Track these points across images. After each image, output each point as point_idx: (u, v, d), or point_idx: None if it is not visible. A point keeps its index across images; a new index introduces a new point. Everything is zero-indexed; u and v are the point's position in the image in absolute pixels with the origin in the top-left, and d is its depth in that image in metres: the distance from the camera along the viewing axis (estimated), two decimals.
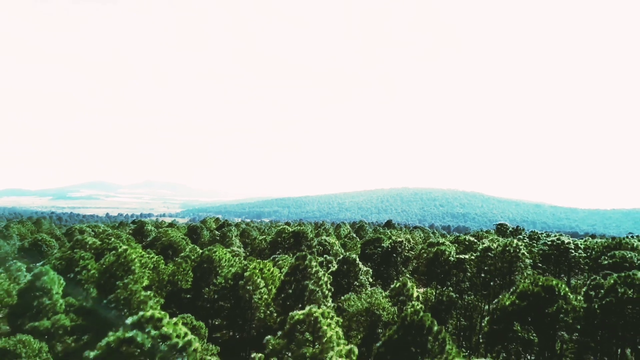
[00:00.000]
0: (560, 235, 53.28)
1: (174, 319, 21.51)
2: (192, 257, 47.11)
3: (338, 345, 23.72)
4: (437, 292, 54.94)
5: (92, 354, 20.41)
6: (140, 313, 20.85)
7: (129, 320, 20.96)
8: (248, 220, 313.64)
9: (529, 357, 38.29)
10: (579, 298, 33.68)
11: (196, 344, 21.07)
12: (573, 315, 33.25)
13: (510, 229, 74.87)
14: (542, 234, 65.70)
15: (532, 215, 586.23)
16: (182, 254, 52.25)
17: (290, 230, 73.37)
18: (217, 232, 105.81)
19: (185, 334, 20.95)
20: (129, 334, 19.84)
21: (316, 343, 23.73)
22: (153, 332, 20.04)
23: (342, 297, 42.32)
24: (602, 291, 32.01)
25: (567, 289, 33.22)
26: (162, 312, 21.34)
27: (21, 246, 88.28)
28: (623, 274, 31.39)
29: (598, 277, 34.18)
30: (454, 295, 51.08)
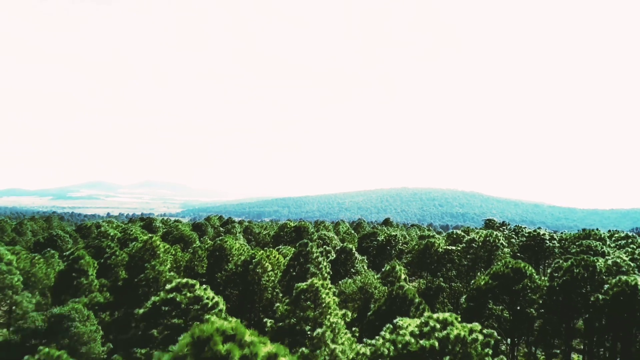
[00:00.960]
0: (539, 228, 58.60)
1: (203, 286, 26.82)
2: (205, 247, 52.43)
3: (334, 310, 28.98)
4: (427, 281, 60.24)
5: (140, 310, 25.78)
6: (177, 280, 26.21)
7: (168, 285, 26.29)
8: (249, 219, 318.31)
9: (507, 340, 43.53)
10: (543, 278, 38.97)
11: (222, 305, 26.38)
12: (539, 294, 38.63)
13: (497, 223, 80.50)
14: (523, 227, 71.27)
15: (531, 215, 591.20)
16: (194, 245, 57.50)
17: (292, 225, 78.75)
18: (221, 229, 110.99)
19: (213, 297, 26.27)
20: (170, 295, 25.17)
21: (317, 308, 29.00)
22: (188, 294, 25.37)
23: (340, 282, 47.62)
24: (561, 272, 37.35)
25: (532, 271, 38.53)
26: (194, 280, 26.67)
27: (37, 241, 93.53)
28: (579, 257, 36.71)
29: (561, 261, 39.49)
30: (444, 285, 56.34)
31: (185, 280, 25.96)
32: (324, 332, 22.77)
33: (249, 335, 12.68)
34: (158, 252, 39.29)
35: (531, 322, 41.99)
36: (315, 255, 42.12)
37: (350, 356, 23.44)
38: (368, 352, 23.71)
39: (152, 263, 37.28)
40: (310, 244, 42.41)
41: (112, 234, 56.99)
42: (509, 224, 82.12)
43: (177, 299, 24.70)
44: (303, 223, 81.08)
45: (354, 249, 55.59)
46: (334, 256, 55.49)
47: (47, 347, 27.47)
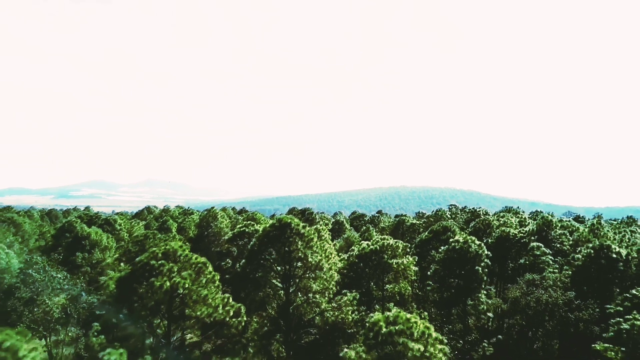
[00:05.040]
0: (479, 208, 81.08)
1: (260, 224, 49.06)
2: (243, 217, 74.50)
3: (329, 242, 51.19)
4: None
5: (225, 236, 48.10)
6: (244, 222, 48.42)
7: (239, 225, 48.50)
8: None
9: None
10: (463, 233, 61.18)
11: None
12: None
13: (459, 208, 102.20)
14: (471, 208, 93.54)
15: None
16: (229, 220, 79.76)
17: (299, 209, 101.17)
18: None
19: None
20: (242, 229, 47.38)
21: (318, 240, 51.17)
22: (252, 228, 47.53)
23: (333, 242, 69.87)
24: (470, 227, 59.74)
25: (456, 228, 60.71)
26: (253, 223, 48.86)
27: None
28: (482, 218, 58.97)
29: (475, 222, 61.80)
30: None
31: (249, 222, 48.26)
32: (323, 245, 44.96)
33: (297, 220, 35.85)
34: (218, 216, 61.28)
35: None
36: (317, 220, 64.34)
37: (337, 259, 45.56)
38: (346, 257, 46.10)
39: (216, 223, 59.39)
40: (314, 212, 64.62)
41: (172, 211, 78.99)
42: (467, 207, 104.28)
43: (247, 230, 46.99)
44: (307, 208, 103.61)
45: (345, 221, 77.81)
46: (330, 227, 77.72)
47: None
